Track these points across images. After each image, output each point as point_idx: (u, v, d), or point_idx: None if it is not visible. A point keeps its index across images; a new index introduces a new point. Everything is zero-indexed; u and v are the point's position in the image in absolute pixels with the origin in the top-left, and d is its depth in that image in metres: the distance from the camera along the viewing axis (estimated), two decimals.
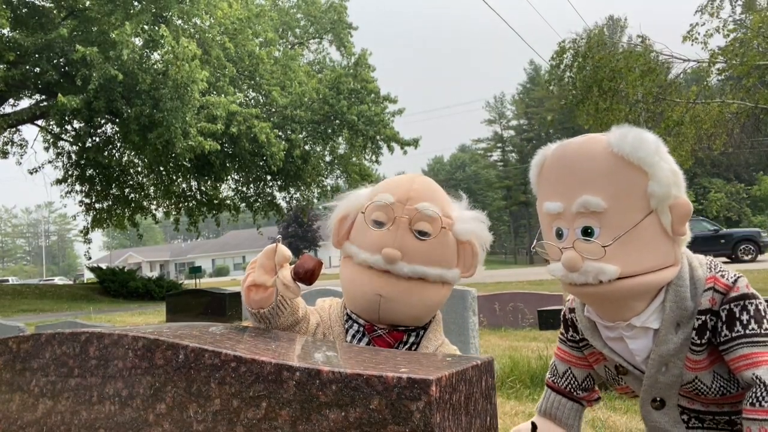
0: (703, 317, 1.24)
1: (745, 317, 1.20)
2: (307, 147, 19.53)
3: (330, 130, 19.25)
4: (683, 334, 1.25)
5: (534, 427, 1.49)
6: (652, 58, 12.29)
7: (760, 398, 1.13)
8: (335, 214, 1.45)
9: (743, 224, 45.18)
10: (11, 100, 18.15)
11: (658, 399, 1.33)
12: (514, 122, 65.70)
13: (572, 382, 1.50)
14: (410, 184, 1.39)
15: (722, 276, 1.25)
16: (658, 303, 1.26)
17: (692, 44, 12.63)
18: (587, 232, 1.21)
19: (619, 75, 12.14)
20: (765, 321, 1.20)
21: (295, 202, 22.54)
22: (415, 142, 20.00)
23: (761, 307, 1.22)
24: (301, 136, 19.01)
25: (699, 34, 12.64)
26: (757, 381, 1.15)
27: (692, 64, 12.46)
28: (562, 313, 1.52)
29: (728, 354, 1.21)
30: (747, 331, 1.19)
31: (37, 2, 16.73)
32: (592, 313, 1.36)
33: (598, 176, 1.20)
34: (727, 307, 1.22)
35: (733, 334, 1.20)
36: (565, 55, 13.18)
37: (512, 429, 1.53)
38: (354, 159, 21.06)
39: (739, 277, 1.25)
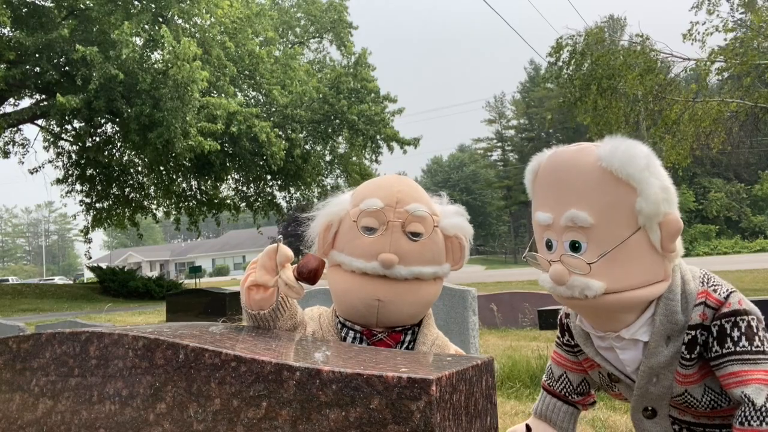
0: (694, 332, 1.22)
1: (736, 334, 1.18)
2: (307, 146, 19.55)
3: (330, 130, 19.26)
4: (673, 348, 1.24)
5: (528, 428, 1.50)
6: (651, 57, 12.27)
7: (749, 417, 1.12)
8: (319, 224, 1.41)
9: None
10: (12, 100, 18.14)
11: (649, 408, 1.33)
12: (514, 122, 65.67)
13: (567, 386, 1.50)
14: (395, 186, 1.38)
15: (714, 291, 1.23)
16: (648, 316, 1.25)
17: (692, 43, 12.64)
18: (575, 247, 1.20)
19: (618, 73, 12.12)
20: (756, 338, 1.18)
21: (295, 201, 22.54)
22: (415, 142, 20.01)
23: (753, 324, 1.19)
24: (301, 135, 19.03)
25: (698, 33, 12.64)
26: (746, 400, 1.13)
27: (692, 63, 12.44)
28: (559, 317, 1.52)
29: (718, 370, 1.20)
30: (737, 348, 1.17)
31: (37, 2, 16.71)
32: (584, 323, 1.36)
33: (587, 190, 1.18)
34: (718, 323, 1.20)
35: (724, 351, 1.18)
36: (562, 52, 13.16)
37: (508, 430, 1.53)
38: (354, 158, 21.09)
39: (732, 292, 1.23)
